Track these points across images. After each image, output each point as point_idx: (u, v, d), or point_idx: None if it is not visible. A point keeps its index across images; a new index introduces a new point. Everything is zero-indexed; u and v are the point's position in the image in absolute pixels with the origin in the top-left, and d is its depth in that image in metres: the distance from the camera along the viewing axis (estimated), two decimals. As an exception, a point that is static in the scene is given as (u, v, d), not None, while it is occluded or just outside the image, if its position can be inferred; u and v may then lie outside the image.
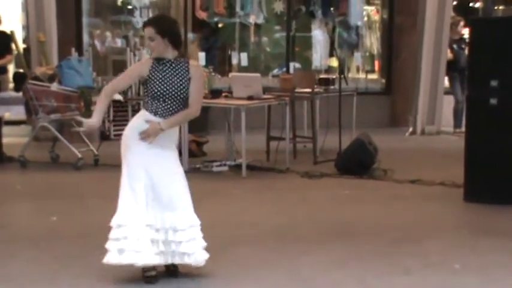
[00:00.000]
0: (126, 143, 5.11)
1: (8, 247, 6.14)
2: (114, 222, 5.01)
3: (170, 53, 5.09)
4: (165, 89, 5.04)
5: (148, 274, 5.05)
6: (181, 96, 5.07)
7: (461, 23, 12.79)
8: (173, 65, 5.09)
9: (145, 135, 5.00)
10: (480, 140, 7.56)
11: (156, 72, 5.07)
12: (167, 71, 5.07)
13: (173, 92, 5.04)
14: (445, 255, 5.83)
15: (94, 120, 5.17)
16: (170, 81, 5.05)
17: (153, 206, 5.01)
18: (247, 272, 5.39)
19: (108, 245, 5.01)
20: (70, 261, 5.62)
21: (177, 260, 5.08)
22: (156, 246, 4.98)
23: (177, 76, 5.07)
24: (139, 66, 5.27)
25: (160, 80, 5.05)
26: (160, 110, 5.07)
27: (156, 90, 5.05)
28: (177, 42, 5.13)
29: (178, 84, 5.06)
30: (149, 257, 4.94)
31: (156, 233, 4.99)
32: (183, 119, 5.26)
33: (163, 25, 5.10)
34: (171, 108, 5.07)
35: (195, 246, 5.08)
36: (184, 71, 5.09)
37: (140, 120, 5.11)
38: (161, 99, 5.06)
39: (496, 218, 7.05)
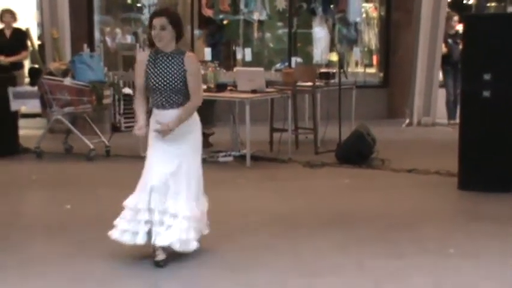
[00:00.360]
0: (149, 138, 5.23)
1: (25, 233, 6.19)
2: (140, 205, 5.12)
3: (172, 45, 5.10)
4: (160, 82, 5.06)
5: (158, 258, 5.09)
6: (178, 87, 5.07)
7: (456, 18, 12.77)
8: (169, 58, 5.09)
9: (160, 135, 5.06)
10: (474, 131, 7.56)
11: (152, 66, 5.09)
12: (163, 64, 5.08)
13: (169, 84, 5.05)
14: (439, 241, 5.86)
15: (140, 129, 5.14)
16: (166, 74, 5.06)
17: (168, 194, 5.08)
18: (253, 256, 5.42)
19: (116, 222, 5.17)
20: (84, 245, 5.67)
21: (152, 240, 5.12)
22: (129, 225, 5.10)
23: (173, 68, 5.07)
24: (140, 64, 5.20)
25: (156, 74, 5.07)
26: (159, 102, 5.10)
27: (152, 83, 5.08)
28: (181, 35, 5.15)
29: (174, 77, 5.06)
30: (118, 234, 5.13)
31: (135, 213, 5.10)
32: (188, 113, 5.17)
33: (174, 16, 5.13)
34: (170, 100, 5.09)
35: (188, 234, 5.12)
36: (179, 63, 5.08)
37: (152, 119, 5.21)
38: (158, 92, 5.08)
39: (488, 206, 7.06)
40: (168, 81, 5.06)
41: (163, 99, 5.09)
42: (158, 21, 5.04)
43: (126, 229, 5.11)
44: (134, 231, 5.09)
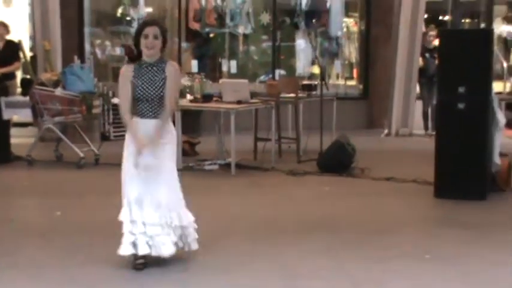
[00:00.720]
0: (124, 148, 5.15)
1: (17, 238, 6.16)
2: (122, 218, 5.08)
3: (158, 54, 5.11)
4: (148, 92, 5.04)
5: (138, 262, 5.10)
6: (159, 95, 5.06)
7: (432, 33, 12.85)
8: (153, 68, 5.09)
9: (140, 150, 5.01)
10: (449, 141, 7.60)
11: (138, 78, 5.07)
12: (148, 74, 5.07)
13: (155, 93, 5.04)
14: (416, 246, 5.89)
15: (145, 144, 5.08)
16: (151, 83, 5.05)
17: (147, 204, 5.04)
18: (237, 260, 5.42)
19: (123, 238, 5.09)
20: (74, 250, 5.65)
21: (168, 252, 5.11)
22: (134, 237, 5.04)
23: (157, 77, 5.07)
24: (125, 78, 5.11)
25: (143, 84, 5.05)
26: (145, 111, 5.08)
27: (140, 94, 5.06)
28: (165, 45, 5.17)
29: (158, 85, 5.06)
30: (126, 248, 5.04)
31: (133, 226, 5.04)
32: (166, 119, 5.16)
33: (163, 27, 5.18)
34: (156, 109, 5.08)
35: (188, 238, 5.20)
36: (161, 71, 5.09)
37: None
38: (145, 101, 5.06)
39: (463, 213, 7.08)
40: (154, 90, 5.05)
41: (150, 109, 5.07)
42: (152, 30, 5.04)
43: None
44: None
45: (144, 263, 5.10)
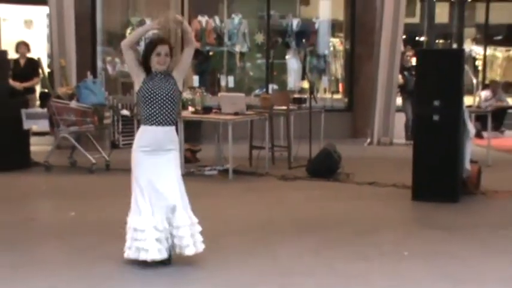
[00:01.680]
0: (132, 155, 5.06)
1: (34, 237, 6.13)
2: (132, 225, 4.99)
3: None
4: (154, 93, 4.94)
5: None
6: (170, 99, 4.97)
7: (410, 53, 12.87)
8: (162, 76, 5.01)
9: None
10: (426, 149, 7.59)
11: (147, 82, 4.98)
12: (157, 80, 4.99)
13: (162, 95, 4.95)
14: (396, 245, 5.86)
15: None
16: (159, 87, 4.97)
17: (158, 209, 4.95)
18: (234, 259, 5.38)
19: (128, 243, 5.01)
20: (86, 249, 5.60)
21: (177, 252, 5.05)
22: (160, 243, 4.94)
23: (166, 82, 4.99)
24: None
25: (150, 87, 4.96)
26: (153, 115, 4.95)
27: (147, 95, 4.95)
28: (171, 59, 5.12)
29: (167, 89, 4.97)
30: (155, 253, 4.93)
31: (160, 232, 4.94)
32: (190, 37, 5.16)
33: (171, 45, 5.11)
34: (163, 112, 4.96)
35: (193, 240, 5.06)
36: (170, 78, 5.03)
37: (140, 133, 5.05)
38: (150, 104, 4.94)
39: (438, 214, 7.08)
40: (163, 90, 4.96)
41: (159, 113, 4.95)
42: (163, 49, 4.98)
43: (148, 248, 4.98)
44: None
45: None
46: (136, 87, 5.05)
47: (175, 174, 5.07)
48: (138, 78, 5.04)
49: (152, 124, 4.98)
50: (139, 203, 4.97)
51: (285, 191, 8.31)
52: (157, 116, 4.97)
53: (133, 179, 5.04)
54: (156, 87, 4.97)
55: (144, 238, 4.92)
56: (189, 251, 5.03)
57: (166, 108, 4.98)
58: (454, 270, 5.17)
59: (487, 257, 5.53)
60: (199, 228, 5.13)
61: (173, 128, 5.10)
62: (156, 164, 4.98)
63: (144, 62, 5.04)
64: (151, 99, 4.96)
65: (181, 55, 5.20)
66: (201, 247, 5.11)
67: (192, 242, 5.03)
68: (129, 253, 5.00)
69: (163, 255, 4.98)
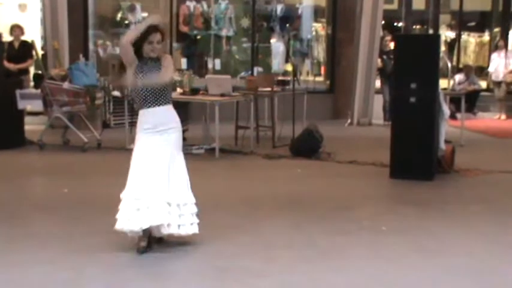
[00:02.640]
0: (136, 138, 4.97)
1: (29, 212, 6.13)
2: (130, 195, 4.85)
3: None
4: (147, 75, 4.85)
5: (142, 244, 4.89)
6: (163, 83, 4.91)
7: (388, 38, 12.87)
8: (154, 62, 4.91)
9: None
10: (402, 129, 7.62)
11: (140, 70, 4.88)
12: (149, 65, 4.89)
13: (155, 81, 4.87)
14: (374, 220, 5.90)
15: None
16: (152, 70, 4.88)
17: (160, 183, 4.83)
18: (219, 233, 5.40)
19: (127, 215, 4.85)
20: (79, 223, 5.62)
21: (172, 230, 4.90)
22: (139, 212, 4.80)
23: (155, 68, 4.90)
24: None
25: (145, 73, 4.87)
26: (150, 99, 4.87)
27: (142, 82, 4.87)
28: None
29: (159, 71, 4.89)
30: (159, 218, 4.79)
31: (139, 201, 4.81)
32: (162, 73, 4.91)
33: (163, 32, 5.01)
34: (161, 96, 4.89)
35: (191, 219, 4.99)
36: (158, 63, 4.92)
37: (140, 117, 4.95)
38: (145, 90, 4.87)
39: (414, 191, 7.13)
40: (154, 76, 4.86)
41: (155, 96, 4.88)
42: (155, 37, 4.89)
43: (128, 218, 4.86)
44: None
45: (145, 246, 4.90)
46: (130, 74, 4.92)
47: (181, 156, 5.03)
48: (131, 67, 4.93)
49: (149, 106, 4.90)
50: (130, 175, 4.89)
51: (269, 169, 8.32)
52: (151, 98, 4.89)
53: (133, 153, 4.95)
54: (150, 74, 4.89)
55: (123, 207, 4.85)
56: (191, 230, 4.94)
57: (159, 91, 4.90)
58: (427, 243, 5.22)
59: (457, 231, 5.58)
60: (193, 211, 5.03)
61: (170, 106, 5.00)
62: (160, 142, 4.89)
63: (137, 48, 4.91)
64: (147, 87, 4.87)
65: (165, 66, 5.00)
66: (190, 229, 4.99)
67: (192, 221, 4.96)
68: (117, 223, 4.88)
69: (141, 226, 4.81)
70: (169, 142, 4.94)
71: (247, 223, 5.73)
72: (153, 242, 4.99)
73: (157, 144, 4.89)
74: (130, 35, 4.91)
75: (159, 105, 4.92)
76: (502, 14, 16.53)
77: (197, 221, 5.04)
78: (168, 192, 4.86)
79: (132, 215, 4.81)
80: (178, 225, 4.92)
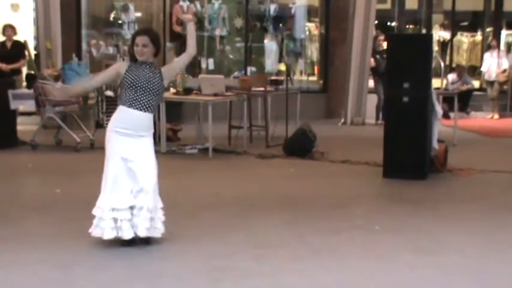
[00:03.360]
0: (107, 135, 4.91)
1: (22, 211, 6.10)
2: (101, 204, 4.84)
3: (150, 59, 4.94)
4: (138, 80, 4.80)
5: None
6: (153, 88, 4.83)
7: (381, 37, 12.88)
8: (148, 66, 4.89)
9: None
10: (395, 129, 7.62)
11: (132, 69, 4.86)
12: (143, 69, 4.86)
13: (145, 83, 4.80)
14: (367, 219, 5.90)
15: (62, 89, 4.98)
16: (143, 75, 4.82)
17: (129, 190, 4.78)
18: (212, 231, 5.39)
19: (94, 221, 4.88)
20: (70, 223, 5.58)
21: (144, 233, 4.85)
22: (117, 223, 4.80)
23: (150, 73, 4.86)
24: (117, 65, 5.06)
25: (135, 74, 4.83)
26: (134, 100, 4.80)
27: (130, 80, 4.81)
28: (158, 52, 4.99)
29: (151, 78, 4.83)
30: (109, 232, 4.81)
31: (118, 212, 4.79)
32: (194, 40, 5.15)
33: (155, 35, 4.96)
34: (143, 99, 4.81)
35: (158, 223, 4.91)
36: (157, 71, 4.91)
37: (117, 112, 4.88)
38: (133, 89, 4.79)
39: (407, 190, 7.13)
40: (146, 80, 4.81)
41: (137, 98, 4.79)
42: (141, 40, 4.85)
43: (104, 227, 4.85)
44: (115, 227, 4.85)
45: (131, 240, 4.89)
46: (122, 73, 4.90)
47: (152, 158, 4.91)
48: (119, 68, 4.95)
49: (130, 107, 4.83)
50: (104, 182, 4.86)
51: (262, 169, 8.31)
52: (137, 101, 4.81)
53: (106, 158, 4.90)
54: (141, 75, 4.83)
55: (101, 216, 4.82)
56: (141, 233, 4.84)
57: (148, 97, 4.82)
58: (419, 242, 5.22)
59: (449, 230, 5.58)
60: (161, 215, 4.94)
61: (151, 116, 4.92)
62: (131, 145, 4.82)
63: (132, 53, 4.93)
64: (135, 86, 4.81)
65: (178, 57, 5.05)
66: (155, 233, 4.92)
67: (148, 226, 4.85)
68: (93, 231, 4.88)
69: (122, 234, 4.81)
70: (144, 148, 4.86)
71: (240, 222, 5.71)
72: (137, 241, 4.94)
73: (132, 150, 4.81)
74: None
75: (145, 111, 4.84)
76: (494, 14, 16.56)
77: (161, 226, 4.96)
78: (140, 198, 4.81)
79: (109, 224, 4.79)
80: (147, 228, 4.85)
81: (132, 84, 4.83)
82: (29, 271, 4.46)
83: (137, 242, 4.91)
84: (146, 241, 4.95)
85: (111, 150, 4.88)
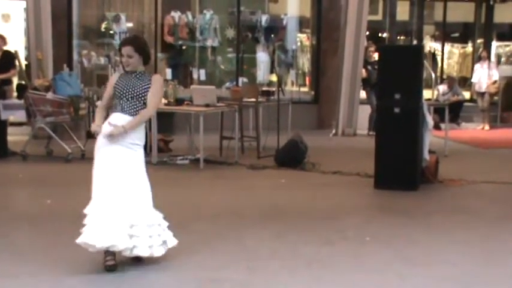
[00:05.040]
0: (96, 144, 4.84)
1: (12, 223, 6.06)
2: (88, 210, 4.77)
3: (141, 67, 4.88)
4: (128, 89, 4.75)
5: (108, 263, 4.71)
6: (142, 96, 4.77)
7: (373, 48, 12.93)
8: (138, 75, 4.84)
9: (110, 137, 4.69)
10: (387, 140, 7.64)
11: (122, 79, 4.83)
12: (133, 79, 4.82)
13: (135, 92, 4.75)
14: (358, 230, 5.90)
15: (98, 127, 4.81)
16: (133, 84, 4.78)
17: (118, 201, 4.66)
18: (203, 243, 5.38)
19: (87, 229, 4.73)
20: (61, 234, 5.54)
21: (140, 252, 4.72)
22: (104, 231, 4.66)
23: (140, 82, 4.80)
24: (111, 79, 5.02)
25: (125, 83, 4.79)
26: (121, 106, 4.78)
27: (120, 90, 4.78)
28: (147, 60, 4.91)
29: (140, 87, 4.78)
30: (110, 240, 4.62)
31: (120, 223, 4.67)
32: (141, 119, 4.80)
33: (139, 44, 4.87)
34: (134, 106, 4.77)
35: (155, 241, 4.79)
36: (147, 79, 4.84)
37: (107, 123, 4.81)
38: (124, 98, 4.74)
39: (398, 201, 7.15)
40: (135, 89, 4.77)
41: (126, 104, 4.77)
42: (125, 50, 4.81)
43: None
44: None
45: (114, 264, 4.73)
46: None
47: (143, 173, 4.83)
48: (112, 81, 4.93)
49: (117, 111, 4.81)
50: (93, 189, 4.78)
51: (254, 180, 8.31)
52: (126, 108, 4.78)
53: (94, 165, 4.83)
54: (129, 85, 4.78)
55: (88, 223, 4.73)
56: (143, 252, 4.73)
57: (135, 103, 4.78)
58: (411, 253, 5.23)
59: (441, 241, 5.60)
60: (158, 229, 4.83)
61: (143, 125, 4.89)
62: (119, 155, 4.73)
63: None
64: (123, 95, 4.77)
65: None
66: (157, 252, 4.80)
67: (149, 244, 4.75)
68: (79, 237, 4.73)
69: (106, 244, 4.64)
70: (133, 158, 4.78)
71: (230, 233, 5.70)
72: (129, 260, 4.84)
73: (121, 159, 4.72)
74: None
75: (129, 115, 4.77)
76: (484, 26, 16.69)
77: (166, 238, 4.88)
78: (134, 213, 4.70)
79: (95, 231, 4.65)
80: (149, 246, 4.76)
81: (120, 94, 4.79)
82: (16, 284, 4.44)
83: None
84: (134, 259, 4.83)
85: (100, 159, 4.78)
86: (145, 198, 4.80)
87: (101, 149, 4.79)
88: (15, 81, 11.54)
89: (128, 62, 4.83)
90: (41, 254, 5.07)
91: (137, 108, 4.81)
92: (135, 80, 4.84)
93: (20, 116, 9.74)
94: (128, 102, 4.79)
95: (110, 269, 4.70)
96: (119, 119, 4.79)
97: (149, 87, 4.82)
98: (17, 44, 12.57)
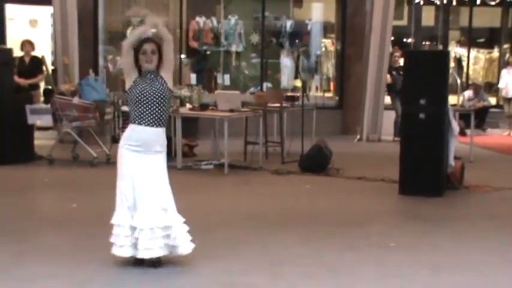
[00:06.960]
0: (119, 152, 4.85)
1: (39, 225, 6.14)
2: (113, 221, 4.84)
3: (155, 67, 4.83)
4: (143, 93, 4.69)
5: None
6: (161, 97, 4.71)
7: (398, 54, 12.87)
8: (153, 76, 4.79)
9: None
10: (412, 145, 7.60)
11: (137, 83, 4.77)
12: (148, 80, 4.76)
13: (153, 95, 4.70)
14: (383, 236, 5.88)
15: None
16: (150, 86, 4.73)
17: (141, 208, 4.71)
18: (227, 248, 5.39)
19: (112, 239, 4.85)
20: (87, 238, 5.62)
21: (165, 252, 4.81)
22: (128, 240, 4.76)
23: (156, 83, 4.75)
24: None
25: (140, 87, 4.73)
26: (142, 115, 4.69)
27: (135, 95, 4.70)
28: (161, 62, 4.82)
29: (157, 88, 4.72)
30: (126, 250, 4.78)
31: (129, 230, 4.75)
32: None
33: (159, 43, 4.83)
34: (152, 112, 4.70)
35: (182, 240, 4.84)
36: (160, 78, 4.79)
37: (129, 131, 4.79)
38: (140, 104, 4.69)
39: (423, 207, 7.10)
40: (158, 91, 4.72)
41: (153, 115, 4.70)
42: (149, 46, 4.76)
43: (122, 244, 4.80)
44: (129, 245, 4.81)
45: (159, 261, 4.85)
46: (127, 86, 4.84)
47: (166, 177, 4.84)
48: (129, 78, 4.84)
49: (141, 124, 4.72)
50: (118, 199, 4.82)
51: (278, 185, 8.31)
52: (147, 116, 4.72)
53: (118, 175, 4.84)
54: (147, 88, 4.73)
55: (117, 233, 4.79)
56: (185, 250, 4.83)
57: (157, 109, 4.73)
58: (436, 260, 5.19)
59: (466, 248, 5.56)
60: (186, 227, 4.88)
61: (163, 130, 4.84)
62: (144, 163, 4.75)
63: (136, 63, 4.81)
64: (142, 100, 4.71)
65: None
66: (191, 246, 4.88)
67: (187, 240, 4.84)
68: (112, 249, 4.84)
69: (130, 253, 4.77)
70: (156, 165, 4.78)
71: (255, 239, 5.71)
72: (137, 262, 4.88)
73: (145, 167, 4.74)
74: (130, 38, 4.84)
75: (152, 126, 4.74)
76: (511, 30, 16.52)
77: (189, 239, 4.90)
78: (162, 217, 4.75)
79: (127, 242, 4.76)
80: (173, 246, 4.82)
81: (138, 99, 4.72)
82: (43, 286, 4.49)
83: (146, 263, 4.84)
84: (153, 263, 4.83)
85: (124, 168, 4.81)
86: (167, 202, 4.80)
87: (124, 158, 4.80)
88: (42, 86, 11.72)
89: (152, 58, 4.77)
90: (66, 257, 5.10)
91: (162, 115, 4.77)
92: (152, 82, 4.76)
93: (46, 120, 9.85)
94: (152, 109, 4.72)
95: (156, 265, 4.81)
96: (150, 134, 4.73)
97: (166, 86, 4.79)
98: (43, 49, 12.74)
